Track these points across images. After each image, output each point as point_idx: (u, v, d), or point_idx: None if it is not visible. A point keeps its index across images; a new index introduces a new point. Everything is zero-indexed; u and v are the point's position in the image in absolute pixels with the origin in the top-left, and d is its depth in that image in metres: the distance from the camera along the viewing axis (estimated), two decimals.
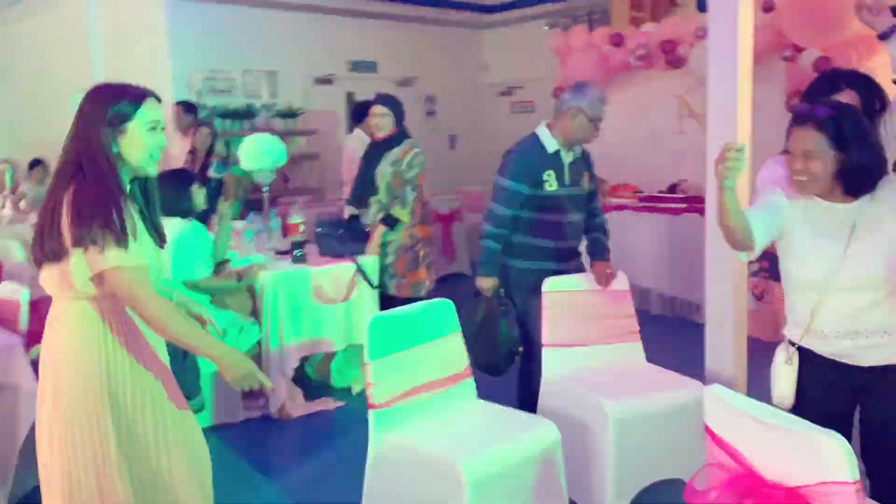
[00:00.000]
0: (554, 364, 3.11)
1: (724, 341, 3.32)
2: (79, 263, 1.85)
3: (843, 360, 2.08)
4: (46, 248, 1.88)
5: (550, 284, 3.15)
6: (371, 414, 2.54)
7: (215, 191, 5.72)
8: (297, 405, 4.03)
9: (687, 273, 5.46)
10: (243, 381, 1.93)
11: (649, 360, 3.31)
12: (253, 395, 3.85)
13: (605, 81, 6.26)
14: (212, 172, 5.92)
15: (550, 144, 3.21)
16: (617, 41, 6.61)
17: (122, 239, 1.82)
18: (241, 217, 5.15)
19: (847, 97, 2.37)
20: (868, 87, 2.47)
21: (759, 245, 2.13)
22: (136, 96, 1.94)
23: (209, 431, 2.19)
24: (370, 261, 4.15)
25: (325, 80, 8.34)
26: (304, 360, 4.09)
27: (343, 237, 4.18)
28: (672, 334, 5.09)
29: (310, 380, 4.29)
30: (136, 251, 1.86)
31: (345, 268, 4.09)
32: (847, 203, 2.05)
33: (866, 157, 1.99)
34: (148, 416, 1.96)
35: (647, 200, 6.13)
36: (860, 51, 4.74)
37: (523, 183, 3.16)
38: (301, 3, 7.99)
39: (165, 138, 2.00)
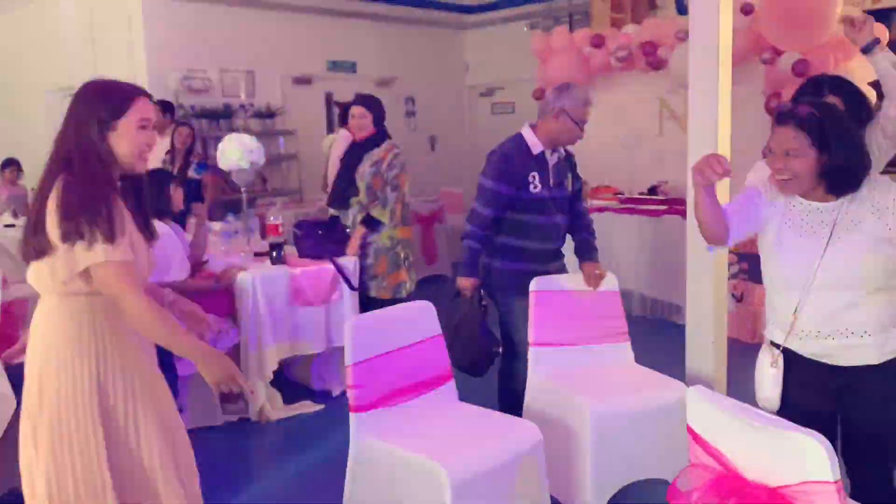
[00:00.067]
0: (540, 364, 3.10)
1: (704, 342, 3.33)
2: (67, 259, 1.82)
3: (823, 361, 2.09)
4: (32, 244, 1.86)
5: (539, 284, 3.15)
6: (352, 417, 2.52)
7: (194, 191, 5.68)
8: (277, 408, 3.98)
9: (667, 275, 5.48)
10: (224, 384, 1.91)
11: None
12: (231, 398, 3.80)
13: (586, 83, 6.27)
14: (192, 173, 5.87)
15: (535, 146, 3.20)
16: (598, 42, 6.64)
17: (110, 234, 1.80)
18: (219, 218, 5.11)
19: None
20: (853, 96, 2.48)
21: (733, 240, 2.16)
22: (128, 94, 1.94)
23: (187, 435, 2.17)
24: (350, 262, 4.12)
25: (304, 80, 8.29)
26: (283, 362, 4.05)
27: (323, 238, 4.15)
28: (652, 335, 5.10)
29: (289, 382, 4.25)
30: (125, 247, 1.85)
31: (324, 269, 4.06)
32: (829, 202, 2.05)
33: (848, 156, 1.99)
34: (140, 418, 1.93)
35: (628, 202, 6.15)
36: (838, 54, 4.79)
37: (507, 184, 3.15)
38: (279, 2, 7.94)
39: (164, 138, 1.99)
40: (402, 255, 4.21)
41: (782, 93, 4.97)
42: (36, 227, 1.85)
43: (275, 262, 4.06)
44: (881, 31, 2.84)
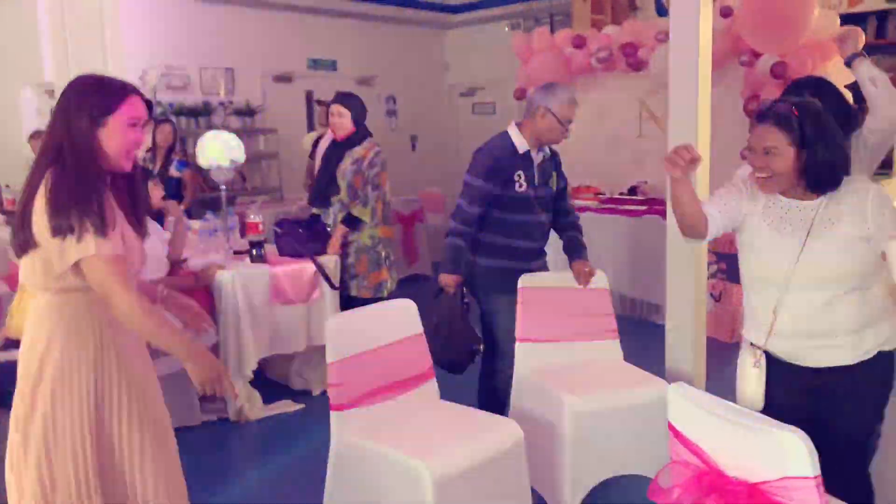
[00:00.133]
0: (527, 359, 3.12)
1: (683, 341, 3.36)
2: (58, 253, 1.80)
3: (799, 362, 2.10)
4: (20, 238, 1.84)
5: (527, 280, 3.17)
6: (333, 415, 2.50)
7: (175, 189, 5.63)
8: (256, 408, 3.96)
9: (647, 274, 5.52)
10: (210, 385, 1.89)
11: None
12: (210, 397, 3.77)
13: (567, 83, 6.29)
14: (173, 171, 5.81)
15: (521, 144, 3.21)
16: (578, 43, 6.66)
17: (100, 228, 1.78)
18: (198, 216, 5.06)
19: None
20: (835, 97, 2.52)
21: (712, 234, 2.18)
22: (119, 91, 1.91)
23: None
24: (331, 261, 4.10)
25: (284, 78, 8.24)
26: (262, 362, 4.02)
27: (303, 237, 4.12)
28: (632, 335, 5.10)
29: (269, 382, 4.22)
30: (116, 241, 1.83)
31: (305, 268, 4.04)
32: (808, 200, 2.07)
33: (827, 154, 2.01)
34: (133, 418, 1.92)
35: (609, 202, 6.18)
36: (815, 56, 4.85)
37: (493, 182, 3.16)
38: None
39: (145, 136, 1.96)
40: (383, 255, 4.19)
41: (760, 95, 5.02)
42: (23, 222, 1.83)
43: (255, 260, 4.03)
44: (860, 36, 2.90)
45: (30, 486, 1.86)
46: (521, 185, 3.18)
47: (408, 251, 7.37)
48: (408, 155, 9.49)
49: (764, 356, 2.14)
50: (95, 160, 1.87)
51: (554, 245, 3.44)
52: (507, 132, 3.25)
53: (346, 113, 4.10)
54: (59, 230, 1.77)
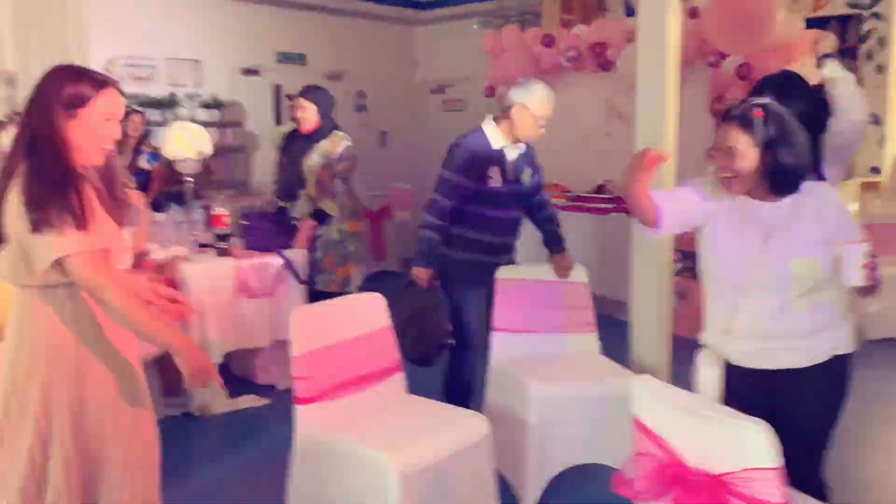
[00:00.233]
0: (503, 349, 3.16)
1: (648, 338, 3.39)
2: (39, 250, 1.75)
3: (755, 365, 2.12)
4: None
5: (506, 271, 3.22)
6: (297, 409, 2.48)
7: (143, 181, 5.53)
8: (220, 402, 3.91)
9: (613, 271, 5.56)
10: (199, 378, 1.87)
11: None
12: (173, 391, 3.72)
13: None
14: (144, 163, 5.71)
15: (496, 140, 3.22)
16: (547, 42, 6.69)
17: (80, 221, 1.75)
18: (164, 208, 4.98)
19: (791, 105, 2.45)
20: (807, 93, 2.55)
21: (667, 227, 2.20)
22: (96, 83, 1.86)
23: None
24: (298, 255, 4.07)
25: (252, 71, 8.14)
26: (227, 356, 3.97)
27: (270, 230, 4.08)
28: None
29: (233, 376, 4.17)
30: (97, 234, 1.79)
31: (271, 261, 4.00)
32: (770, 202, 2.10)
33: (790, 157, 2.03)
34: (117, 412, 1.92)
35: (576, 201, 6.23)
36: (780, 58, 4.92)
37: (467, 176, 3.17)
38: None
39: (119, 131, 1.92)
40: (351, 250, 4.17)
41: (726, 96, 5.09)
42: None
43: (220, 253, 3.98)
44: (834, 39, 2.95)
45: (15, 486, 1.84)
46: (494, 181, 3.19)
47: (376, 247, 7.34)
48: (377, 151, 9.45)
49: (721, 358, 2.17)
50: (68, 153, 1.82)
51: (529, 238, 3.47)
52: (481, 128, 3.26)
53: (312, 107, 4.06)
54: (38, 226, 1.73)
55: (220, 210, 4.05)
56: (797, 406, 2.11)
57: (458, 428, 2.52)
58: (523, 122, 3.17)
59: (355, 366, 2.65)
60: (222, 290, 3.83)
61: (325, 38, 8.78)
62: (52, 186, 1.75)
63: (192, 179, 4.44)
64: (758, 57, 5.00)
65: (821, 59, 2.75)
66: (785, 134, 2.04)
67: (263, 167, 7.28)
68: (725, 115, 2.10)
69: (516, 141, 3.25)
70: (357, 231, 4.26)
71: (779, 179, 2.06)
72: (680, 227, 2.24)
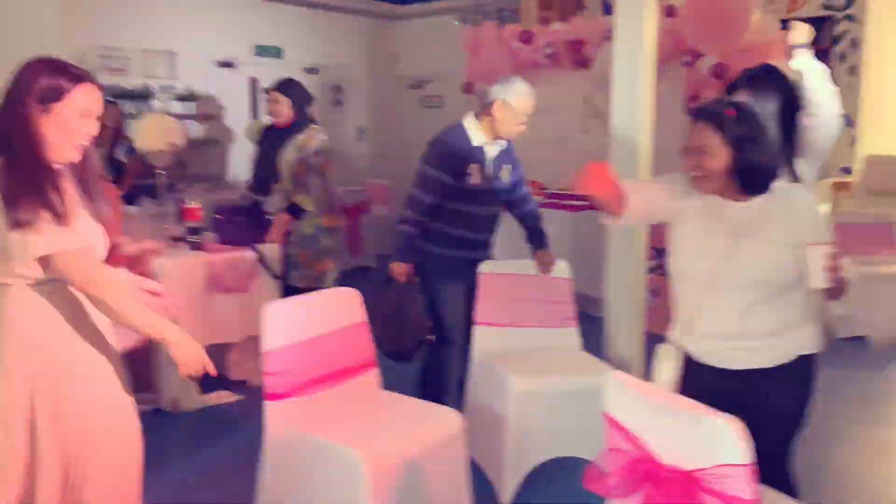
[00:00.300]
0: (485, 343, 3.19)
1: (621, 334, 3.41)
2: (19, 248, 1.72)
3: (716, 363, 2.13)
4: None
5: (489, 266, 3.25)
6: (267, 405, 2.45)
7: (117, 174, 5.44)
8: (192, 398, 3.86)
9: (588, 268, 5.57)
10: (193, 366, 1.88)
11: None
12: (143, 387, 3.67)
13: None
14: (122, 156, 5.62)
15: (476, 137, 3.21)
16: (526, 39, 6.69)
17: (61, 218, 1.72)
18: (136, 202, 4.92)
19: (763, 97, 2.45)
20: (788, 92, 2.55)
21: (630, 219, 2.22)
22: (72, 77, 1.81)
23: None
24: (272, 249, 4.02)
25: (228, 64, 8.06)
26: None
27: (244, 224, 4.04)
28: None
29: (206, 372, 4.11)
30: (79, 230, 1.77)
31: (244, 256, 3.95)
32: (741, 202, 2.10)
33: (759, 157, 2.03)
34: (100, 403, 1.91)
35: (552, 197, 6.24)
36: (754, 58, 4.95)
37: (447, 172, 3.16)
38: None
39: (96, 128, 1.88)
40: (326, 245, 4.14)
41: (701, 95, 5.12)
42: None
43: (193, 247, 3.93)
44: (810, 30, 2.85)
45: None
46: (473, 177, 3.19)
47: (352, 242, 7.30)
48: (354, 146, 9.41)
49: (680, 353, 2.17)
50: (42, 148, 1.78)
51: (509, 234, 3.48)
52: (462, 124, 3.25)
53: (285, 100, 4.03)
54: (17, 224, 1.70)
55: (192, 203, 3.99)
56: (762, 405, 2.11)
57: (431, 424, 2.51)
58: (504, 119, 3.17)
59: (328, 362, 2.62)
60: (194, 285, 3.78)
61: (303, 31, 8.72)
62: (29, 184, 1.71)
63: (164, 172, 4.38)
64: (733, 57, 5.03)
65: (793, 50, 2.68)
66: (756, 133, 2.04)
67: (240, 161, 7.20)
68: (698, 114, 2.10)
69: (497, 138, 3.25)
70: (332, 226, 4.22)
71: (749, 179, 2.06)
72: (644, 220, 2.25)
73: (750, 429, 2.15)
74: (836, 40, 6.72)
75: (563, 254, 5.82)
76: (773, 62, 2.73)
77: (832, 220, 3.98)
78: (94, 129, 1.87)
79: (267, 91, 7.25)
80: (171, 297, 2.18)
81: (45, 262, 1.75)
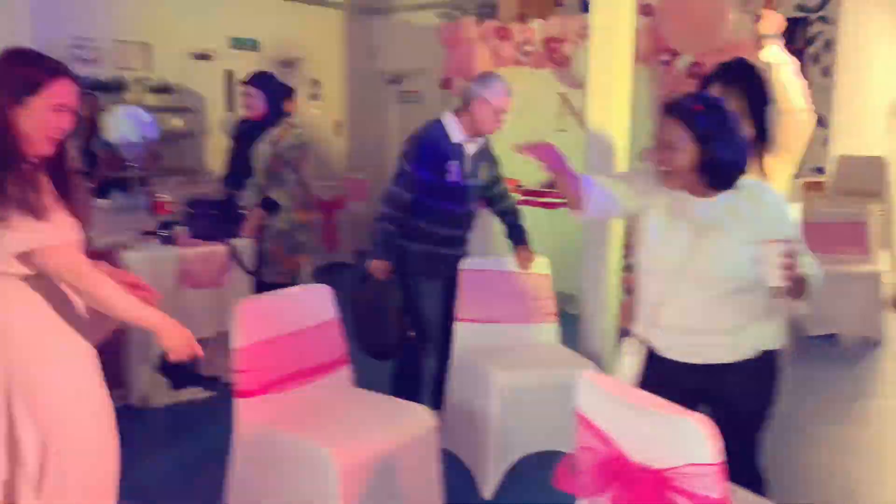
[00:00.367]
0: (465, 339, 3.21)
1: (597, 331, 3.41)
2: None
3: (682, 358, 2.13)
4: None
5: (470, 262, 3.27)
6: (237, 402, 2.42)
7: (90, 167, 5.35)
8: (162, 394, 3.81)
9: (563, 265, 5.57)
10: (183, 351, 1.90)
11: None
12: (114, 382, 3.61)
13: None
14: (97, 148, 5.53)
15: (455, 134, 3.19)
16: (504, 35, 6.68)
17: (40, 214, 1.70)
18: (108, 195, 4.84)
19: (736, 91, 2.44)
20: (763, 86, 2.53)
21: (591, 212, 2.23)
22: (49, 70, 1.78)
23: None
24: (245, 244, 3.98)
25: (203, 56, 7.96)
26: None
27: (217, 218, 3.99)
28: None
29: (177, 368, 4.07)
30: (58, 225, 1.75)
31: (217, 251, 3.90)
32: (707, 198, 2.10)
33: (726, 153, 2.03)
34: (64, 404, 1.88)
35: (528, 195, 6.24)
36: (729, 57, 4.99)
37: (425, 169, 3.16)
38: None
39: (72, 122, 1.84)
40: (301, 240, 4.10)
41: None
42: None
43: (164, 241, 3.87)
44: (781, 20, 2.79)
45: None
46: (451, 175, 3.18)
47: (329, 238, 7.25)
48: (331, 141, 9.35)
49: (643, 346, 2.18)
50: (17, 142, 1.75)
51: (483, 230, 3.49)
52: (441, 120, 3.23)
53: (258, 93, 4.00)
54: None
55: (163, 197, 3.94)
56: (726, 400, 2.13)
57: (403, 421, 2.50)
58: (484, 116, 3.17)
59: (300, 359, 2.60)
60: (165, 280, 3.72)
61: (280, 24, 8.63)
62: (7, 179, 1.69)
63: (136, 165, 4.31)
64: (709, 56, 5.05)
65: (763, 40, 2.62)
66: (723, 129, 2.03)
67: (215, 154, 7.11)
68: (666, 109, 2.09)
69: (475, 135, 3.24)
70: (307, 221, 4.19)
71: (715, 174, 2.05)
72: (609, 214, 2.26)
73: (714, 422, 2.18)
74: (809, 41, 6.78)
75: (539, 251, 5.88)
76: (745, 57, 2.69)
77: (803, 220, 4.00)
78: (69, 123, 1.84)
79: (243, 83, 7.22)
80: (152, 291, 2.15)
81: (24, 258, 1.74)
